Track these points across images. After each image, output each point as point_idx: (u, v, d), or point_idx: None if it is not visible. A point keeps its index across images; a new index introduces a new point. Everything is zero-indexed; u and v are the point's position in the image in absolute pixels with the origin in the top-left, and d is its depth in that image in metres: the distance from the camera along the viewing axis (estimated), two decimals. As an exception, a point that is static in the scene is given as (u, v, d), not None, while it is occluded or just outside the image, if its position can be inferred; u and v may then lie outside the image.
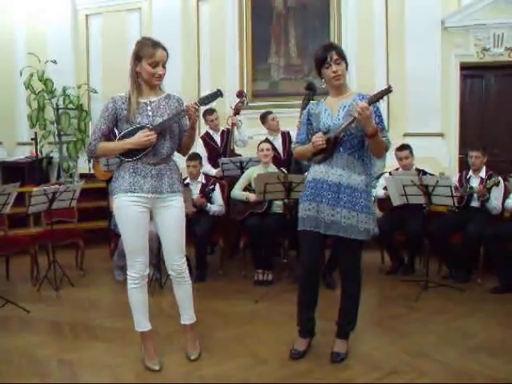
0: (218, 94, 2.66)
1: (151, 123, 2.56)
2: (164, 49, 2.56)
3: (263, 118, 5.11)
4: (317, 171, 2.67)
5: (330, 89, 2.71)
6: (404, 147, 4.51)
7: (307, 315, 2.81)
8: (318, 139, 2.57)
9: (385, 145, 2.58)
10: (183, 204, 2.72)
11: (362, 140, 2.60)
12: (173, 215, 2.65)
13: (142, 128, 2.53)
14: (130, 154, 2.56)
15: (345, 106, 2.62)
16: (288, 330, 2.95)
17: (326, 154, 2.61)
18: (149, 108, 2.59)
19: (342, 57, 2.59)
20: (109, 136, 2.65)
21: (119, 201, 2.60)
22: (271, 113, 5.11)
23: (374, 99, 2.50)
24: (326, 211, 2.60)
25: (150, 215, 2.68)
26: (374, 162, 2.64)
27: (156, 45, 2.53)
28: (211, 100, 2.65)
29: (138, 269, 2.64)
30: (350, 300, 2.76)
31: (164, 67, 2.57)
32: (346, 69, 2.64)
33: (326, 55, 2.58)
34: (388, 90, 2.51)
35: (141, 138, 2.50)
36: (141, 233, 2.62)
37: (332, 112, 2.65)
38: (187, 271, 2.75)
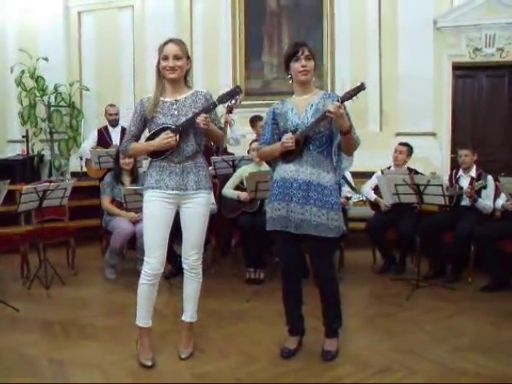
0: (236, 91, 2.67)
1: (175, 123, 2.59)
2: (176, 43, 2.59)
3: (253, 122, 5.10)
4: (286, 170, 2.66)
5: (296, 86, 2.70)
6: (405, 144, 4.63)
7: (294, 313, 2.82)
8: (288, 140, 2.56)
9: (356, 142, 2.60)
10: (210, 202, 2.76)
11: (330, 138, 2.62)
12: (194, 212, 2.68)
13: (165, 129, 2.57)
14: (157, 153, 2.63)
15: (312, 105, 2.63)
16: (279, 329, 2.95)
17: (296, 153, 2.61)
18: (174, 107, 2.62)
19: (312, 55, 2.61)
20: (140, 136, 2.74)
21: (146, 196, 2.68)
22: (261, 119, 5.08)
23: (348, 96, 2.51)
24: (296, 210, 2.60)
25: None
26: (343, 160, 2.64)
27: (168, 41, 2.60)
28: (230, 97, 2.66)
29: (152, 265, 2.64)
30: (330, 298, 2.76)
31: (177, 59, 2.56)
32: (314, 69, 2.65)
33: (298, 49, 2.60)
34: (361, 87, 2.51)
35: (161, 140, 2.56)
36: (160, 229, 2.65)
37: (299, 111, 2.65)
38: (200, 269, 2.78)
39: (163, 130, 2.58)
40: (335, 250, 2.74)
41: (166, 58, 2.57)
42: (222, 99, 2.64)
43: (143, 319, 2.73)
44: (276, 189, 2.68)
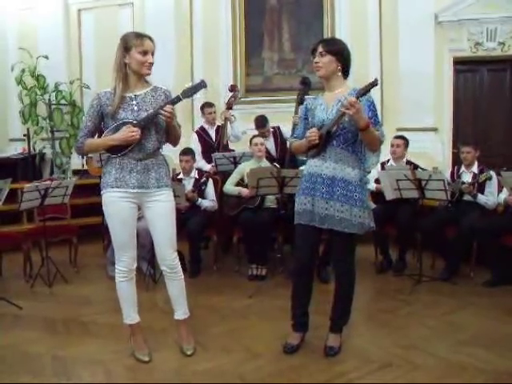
0: (201, 85, 2.61)
1: (136, 118, 2.54)
2: (151, 39, 2.56)
3: (259, 125, 5.02)
4: (312, 165, 2.70)
5: (323, 82, 2.73)
6: (400, 137, 4.62)
7: (301, 309, 2.81)
8: (312, 134, 2.59)
9: (378, 138, 2.58)
10: (172, 198, 2.72)
11: (356, 134, 2.61)
12: (161, 210, 2.65)
13: (126, 124, 2.51)
14: (116, 149, 2.56)
15: (339, 101, 2.62)
16: (282, 325, 2.96)
17: (319, 148, 2.63)
18: (134, 102, 2.57)
19: (328, 50, 2.62)
20: (96, 132, 2.66)
21: (106, 196, 2.61)
22: (267, 123, 5.03)
23: (362, 92, 2.51)
24: (321, 205, 2.62)
25: (138, 210, 2.69)
26: (369, 157, 2.64)
27: (143, 35, 2.55)
28: (195, 91, 2.61)
29: (125, 263, 2.66)
30: (344, 295, 2.77)
31: (153, 55, 2.55)
32: (341, 63, 2.64)
33: (315, 47, 2.67)
34: (374, 83, 2.52)
35: (124, 134, 2.49)
36: (128, 227, 2.63)
37: (327, 107, 2.66)
38: (179, 266, 2.75)
39: (124, 124, 2.51)
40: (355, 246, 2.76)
41: (146, 53, 2.51)
42: (187, 93, 2.59)
43: (130, 317, 2.75)
44: (304, 183, 2.72)
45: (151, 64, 2.55)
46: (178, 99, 2.57)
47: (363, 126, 2.48)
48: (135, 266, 2.72)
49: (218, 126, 5.23)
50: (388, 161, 4.65)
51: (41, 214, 4.37)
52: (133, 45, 2.51)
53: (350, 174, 2.61)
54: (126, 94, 2.56)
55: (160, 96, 2.63)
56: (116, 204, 2.58)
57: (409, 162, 4.55)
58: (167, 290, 2.79)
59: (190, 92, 2.59)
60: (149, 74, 2.59)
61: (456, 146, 5.50)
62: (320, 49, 2.63)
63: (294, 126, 4.42)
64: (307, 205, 2.67)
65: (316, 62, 2.64)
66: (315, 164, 2.67)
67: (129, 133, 2.48)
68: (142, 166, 2.58)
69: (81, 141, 2.62)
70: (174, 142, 2.76)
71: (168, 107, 2.49)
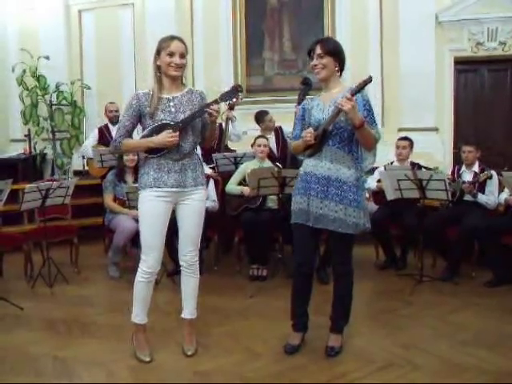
0: (238, 89, 2.67)
1: (173, 120, 2.58)
2: (181, 41, 2.60)
3: (259, 118, 5.04)
4: (308, 165, 2.70)
5: (321, 82, 2.73)
6: (405, 138, 4.62)
7: (300, 309, 2.81)
8: (307, 135, 2.59)
9: (374, 137, 2.58)
10: (205, 197, 2.77)
11: (352, 134, 2.61)
12: (192, 209, 2.69)
13: (164, 126, 2.55)
14: (154, 150, 2.60)
15: (335, 101, 2.62)
16: (282, 325, 2.95)
17: (314, 148, 2.63)
18: (171, 104, 2.61)
19: (326, 51, 2.60)
20: (133, 132, 2.70)
21: (144, 195, 2.64)
22: (267, 113, 5.05)
23: (356, 90, 2.52)
24: (315, 204, 2.62)
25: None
26: (365, 157, 2.64)
27: (173, 37, 2.60)
28: (232, 96, 2.66)
29: (150, 264, 2.66)
30: (343, 295, 2.77)
31: (182, 57, 2.58)
32: (339, 65, 2.64)
33: (312, 48, 2.64)
34: (368, 80, 2.53)
35: (164, 138, 2.53)
36: (160, 229, 2.65)
37: (324, 107, 2.66)
38: (197, 265, 2.78)
39: (162, 126, 2.56)
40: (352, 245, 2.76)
41: (172, 55, 2.55)
42: (225, 97, 2.65)
43: (139, 316, 2.75)
44: (299, 183, 2.73)
45: (177, 65, 2.57)
46: (215, 103, 2.60)
47: (358, 123, 2.48)
48: (158, 269, 2.73)
49: (216, 127, 5.22)
50: (392, 163, 4.64)
51: (41, 215, 4.37)
52: (162, 47, 2.57)
53: (345, 174, 2.60)
54: (163, 95, 2.61)
55: (196, 97, 2.68)
56: (153, 202, 2.61)
57: (413, 164, 4.53)
58: (181, 286, 2.81)
59: (227, 96, 2.65)
60: (176, 76, 2.61)
61: (456, 146, 5.50)
62: (318, 50, 2.60)
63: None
64: (303, 204, 2.67)
65: (315, 65, 2.62)
66: (311, 163, 2.68)
67: (168, 138, 2.52)
68: (179, 166, 2.62)
69: (119, 140, 2.66)
70: (211, 140, 2.82)
71: (215, 106, 2.55)
